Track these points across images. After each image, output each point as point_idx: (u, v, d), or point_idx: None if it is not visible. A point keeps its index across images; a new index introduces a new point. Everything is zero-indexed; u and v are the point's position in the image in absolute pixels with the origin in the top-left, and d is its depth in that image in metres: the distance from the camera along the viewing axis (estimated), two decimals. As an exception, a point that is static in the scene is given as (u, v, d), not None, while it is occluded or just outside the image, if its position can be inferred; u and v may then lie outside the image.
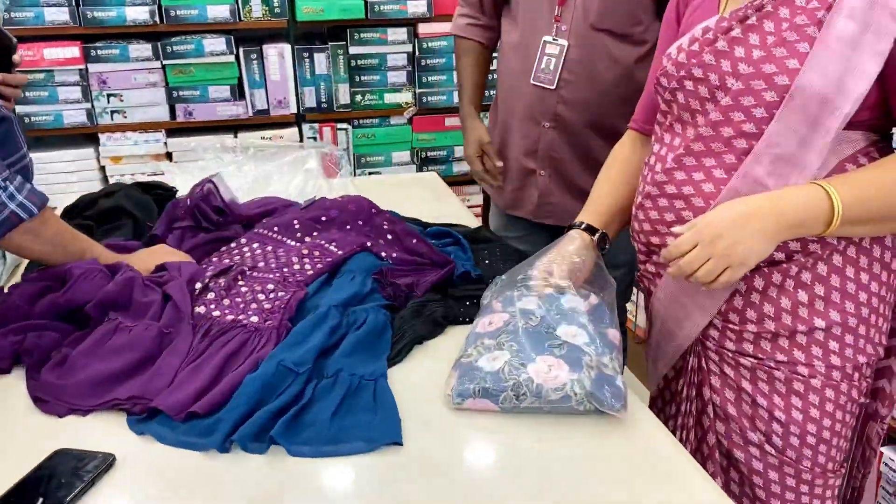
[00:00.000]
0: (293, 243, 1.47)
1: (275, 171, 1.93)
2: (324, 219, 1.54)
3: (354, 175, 3.26)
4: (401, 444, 0.97)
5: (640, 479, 0.93)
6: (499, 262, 1.51)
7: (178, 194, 1.76)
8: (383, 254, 1.44)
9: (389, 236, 1.50)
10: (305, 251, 1.41)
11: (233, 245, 1.47)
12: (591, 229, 1.24)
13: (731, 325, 1.13)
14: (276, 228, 1.51)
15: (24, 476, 0.93)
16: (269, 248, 1.45)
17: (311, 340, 1.12)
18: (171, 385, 1.04)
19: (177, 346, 1.12)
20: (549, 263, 1.18)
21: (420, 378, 1.13)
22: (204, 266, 1.35)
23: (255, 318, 1.19)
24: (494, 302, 1.18)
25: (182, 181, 1.81)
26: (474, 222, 1.78)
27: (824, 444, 1.14)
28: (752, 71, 1.03)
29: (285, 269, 1.36)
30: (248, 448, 0.95)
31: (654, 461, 0.96)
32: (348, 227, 1.52)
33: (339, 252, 1.42)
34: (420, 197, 2.01)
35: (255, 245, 1.46)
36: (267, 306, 1.23)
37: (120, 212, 1.63)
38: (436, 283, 1.35)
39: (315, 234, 1.50)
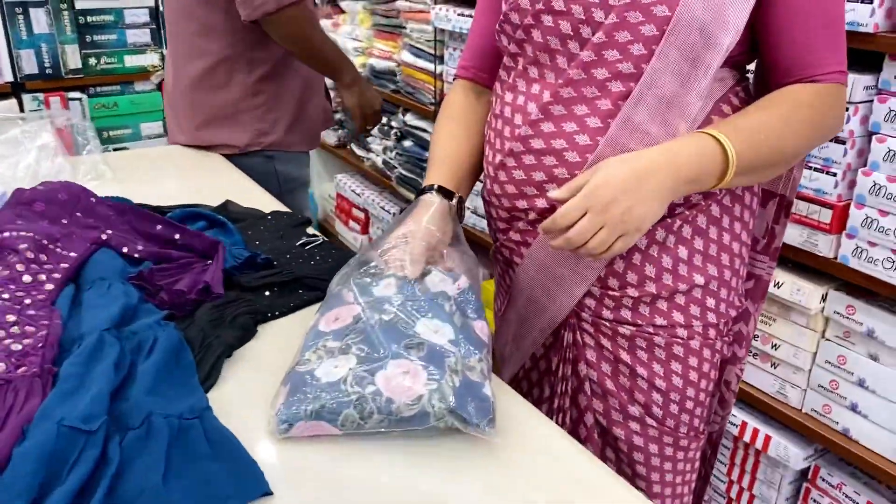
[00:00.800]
0: None
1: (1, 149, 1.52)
2: (26, 215, 1.16)
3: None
4: (271, 494, 0.72)
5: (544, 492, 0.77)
6: (277, 240, 1.28)
7: None
8: (125, 249, 1.13)
9: (123, 226, 1.18)
10: (30, 255, 1.05)
11: None
12: (445, 192, 1.04)
13: (610, 292, 1.01)
14: None
15: None
16: None
17: (94, 383, 0.81)
18: None
19: None
20: (402, 239, 0.97)
21: (245, 399, 0.88)
22: None
23: None
24: (344, 290, 0.95)
25: None
26: (270, 200, 1.52)
27: (700, 406, 1.07)
28: (627, 2, 0.90)
29: (13, 288, 0.99)
30: None
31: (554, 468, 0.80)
32: (64, 221, 1.17)
33: (72, 254, 1.08)
34: (193, 172, 1.69)
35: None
36: (16, 347, 0.88)
37: None
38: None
39: (17, 233, 1.11)
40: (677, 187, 0.87)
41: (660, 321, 1.00)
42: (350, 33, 2.97)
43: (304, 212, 1.90)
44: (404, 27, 2.61)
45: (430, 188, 1.04)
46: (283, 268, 1.17)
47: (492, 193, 1.07)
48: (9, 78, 2.71)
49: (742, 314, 1.11)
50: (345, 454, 0.79)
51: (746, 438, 1.66)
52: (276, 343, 0.99)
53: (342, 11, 3.09)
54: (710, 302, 1.02)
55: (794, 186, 1.09)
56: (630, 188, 0.84)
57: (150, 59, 2.95)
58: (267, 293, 1.11)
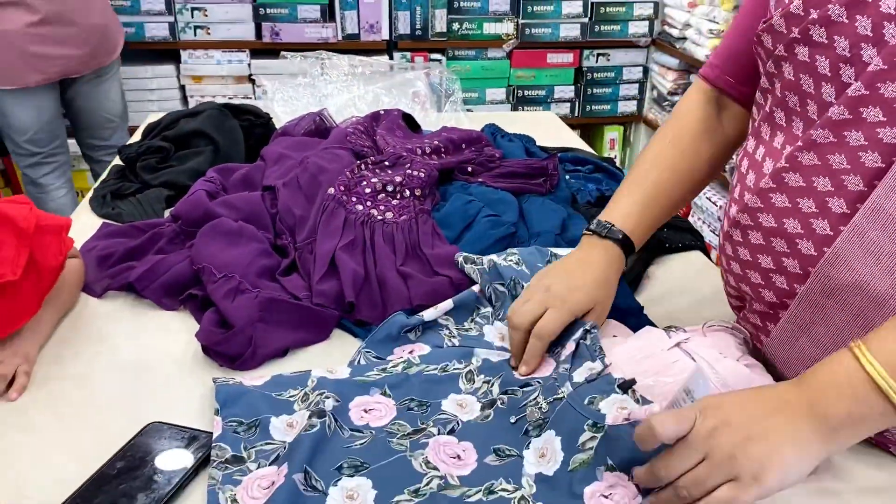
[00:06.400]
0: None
1: (383, 92, 1.71)
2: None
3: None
4: None
5: None
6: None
7: (278, 121, 1.55)
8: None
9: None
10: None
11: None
12: (625, 243, 0.89)
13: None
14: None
15: (117, 453, 0.73)
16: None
17: None
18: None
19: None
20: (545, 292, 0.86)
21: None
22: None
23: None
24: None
25: (282, 98, 1.60)
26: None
27: None
28: None
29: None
30: None
31: None
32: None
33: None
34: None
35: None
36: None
37: (200, 136, 1.44)
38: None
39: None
40: (822, 432, 0.61)
41: None
42: (707, 14, 2.87)
43: None
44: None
45: (610, 227, 0.90)
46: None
47: (719, 262, 0.90)
48: (385, 36, 3.03)
49: None
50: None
51: None
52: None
53: (701, -9, 2.98)
54: None
55: None
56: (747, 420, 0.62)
57: (505, 27, 3.11)
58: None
